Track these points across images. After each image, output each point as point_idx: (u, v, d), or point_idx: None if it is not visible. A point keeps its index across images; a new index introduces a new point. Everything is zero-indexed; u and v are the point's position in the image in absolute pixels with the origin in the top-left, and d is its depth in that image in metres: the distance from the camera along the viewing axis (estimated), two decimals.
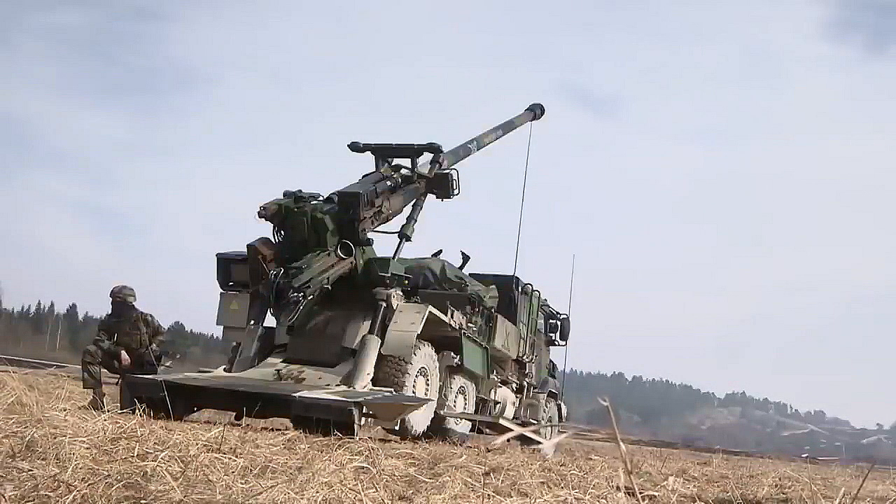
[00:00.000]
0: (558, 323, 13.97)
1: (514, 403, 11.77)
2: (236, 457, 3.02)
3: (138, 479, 2.43)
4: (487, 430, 10.58)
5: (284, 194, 8.58)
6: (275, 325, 8.62)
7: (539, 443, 10.88)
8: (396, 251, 9.12)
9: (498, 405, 11.08)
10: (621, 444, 1.71)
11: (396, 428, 8.15)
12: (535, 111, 13.24)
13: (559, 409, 13.75)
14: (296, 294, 7.83)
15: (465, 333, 9.48)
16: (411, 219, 9.49)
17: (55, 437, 2.75)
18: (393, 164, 9.63)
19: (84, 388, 8.75)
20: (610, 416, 1.72)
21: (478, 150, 11.20)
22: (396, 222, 9.41)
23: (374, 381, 8.02)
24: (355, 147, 9.65)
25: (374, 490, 2.49)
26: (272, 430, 5.65)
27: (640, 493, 2.34)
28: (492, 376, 10.65)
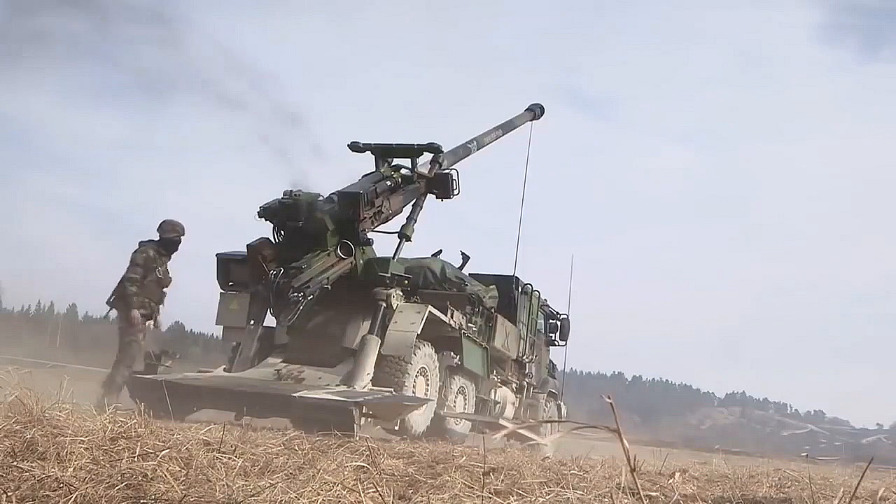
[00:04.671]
0: (558, 323, 13.98)
1: (513, 403, 11.77)
2: (236, 457, 3.02)
3: (139, 478, 2.43)
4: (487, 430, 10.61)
5: (284, 194, 8.58)
6: (275, 325, 8.62)
7: (535, 440, 10.88)
8: (396, 251, 9.12)
9: (498, 405, 11.08)
10: (625, 441, 1.71)
11: (396, 428, 8.15)
12: (535, 111, 13.25)
13: (559, 409, 13.76)
14: (296, 294, 7.83)
15: (465, 333, 9.48)
16: (411, 219, 9.49)
17: (55, 437, 2.75)
18: (393, 164, 9.63)
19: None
20: (613, 413, 1.72)
21: (478, 150, 11.21)
22: (396, 222, 9.42)
23: (374, 381, 8.02)
24: (355, 147, 9.65)
25: (374, 490, 2.49)
26: (272, 430, 5.65)
27: (641, 492, 2.34)
28: (492, 376, 10.65)
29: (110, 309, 8.53)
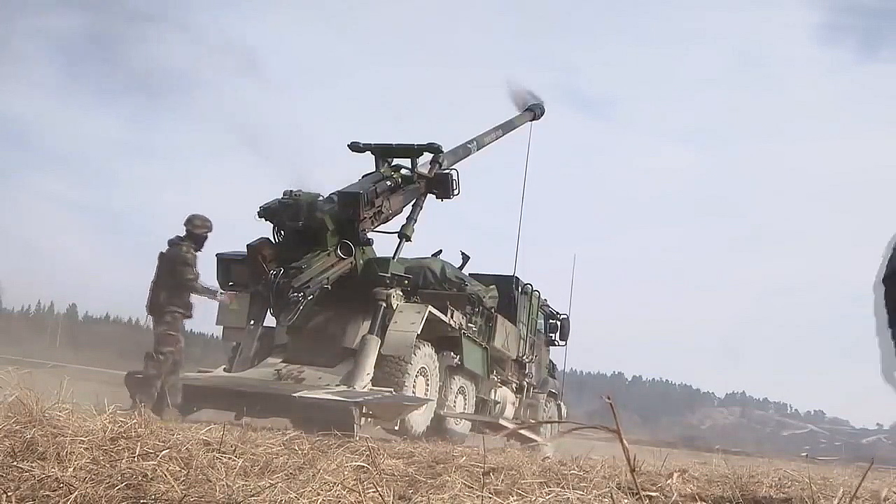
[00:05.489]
0: (558, 323, 13.97)
1: (513, 403, 11.77)
2: (236, 457, 3.02)
3: (139, 478, 2.43)
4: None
5: (284, 194, 8.58)
6: (275, 325, 8.62)
7: (535, 440, 10.89)
8: (396, 251, 9.13)
9: (498, 405, 11.09)
10: (625, 441, 1.71)
11: (396, 428, 8.15)
12: (535, 111, 13.24)
13: (559, 409, 13.76)
14: (296, 294, 7.84)
15: (465, 333, 9.49)
16: (411, 219, 9.49)
17: (55, 437, 2.75)
18: (393, 164, 9.64)
19: None
20: (613, 413, 1.72)
21: (477, 150, 11.21)
22: (396, 222, 9.43)
23: (374, 381, 8.02)
24: (355, 147, 9.66)
25: (374, 490, 2.49)
26: (272, 430, 5.65)
27: (641, 492, 2.34)
28: (492, 376, 10.65)
29: (167, 314, 8.05)
